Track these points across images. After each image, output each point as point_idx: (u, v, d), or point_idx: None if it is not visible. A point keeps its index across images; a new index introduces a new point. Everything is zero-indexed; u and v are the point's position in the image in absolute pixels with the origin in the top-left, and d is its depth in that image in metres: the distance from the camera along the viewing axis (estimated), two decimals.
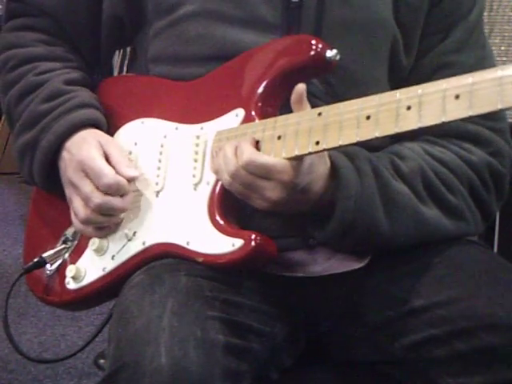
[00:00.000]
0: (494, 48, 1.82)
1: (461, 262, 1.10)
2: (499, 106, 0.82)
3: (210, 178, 1.09)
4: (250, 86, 1.09)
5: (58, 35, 1.28)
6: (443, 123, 0.87)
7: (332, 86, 1.12)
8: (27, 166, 1.22)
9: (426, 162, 1.13)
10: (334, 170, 1.04)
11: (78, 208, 1.15)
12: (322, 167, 1.03)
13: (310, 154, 0.98)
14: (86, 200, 1.14)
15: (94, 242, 1.18)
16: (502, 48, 1.93)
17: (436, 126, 0.88)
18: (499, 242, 1.96)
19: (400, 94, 0.91)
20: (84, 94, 1.23)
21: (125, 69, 3.09)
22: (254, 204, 1.03)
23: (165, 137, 1.17)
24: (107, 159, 1.15)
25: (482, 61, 1.21)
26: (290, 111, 1.02)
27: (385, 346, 1.10)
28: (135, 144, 1.20)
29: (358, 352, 1.16)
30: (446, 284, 1.07)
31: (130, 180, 1.14)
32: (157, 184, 1.15)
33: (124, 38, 1.30)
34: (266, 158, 1.00)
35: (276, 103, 1.08)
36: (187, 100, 1.16)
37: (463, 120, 0.86)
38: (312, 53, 1.04)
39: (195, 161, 1.11)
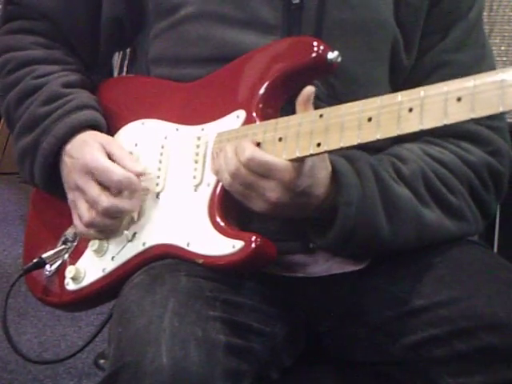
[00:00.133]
0: (493, 48, 1.82)
1: (461, 262, 1.10)
2: (501, 109, 0.82)
3: (211, 179, 1.08)
4: (251, 88, 1.09)
5: (56, 38, 1.28)
6: (445, 126, 0.86)
7: (333, 88, 1.12)
8: (28, 168, 1.22)
9: (425, 163, 1.13)
10: (335, 174, 1.04)
11: (83, 211, 1.15)
12: (324, 171, 1.02)
13: (312, 155, 0.98)
14: (92, 203, 1.13)
15: (94, 243, 1.18)
16: (502, 48, 1.93)
17: (437, 128, 0.87)
18: (499, 242, 1.96)
19: (402, 96, 0.91)
20: (83, 96, 1.22)
21: (125, 69, 3.08)
22: (254, 206, 1.03)
23: (165, 138, 1.16)
24: (110, 159, 1.14)
25: (482, 60, 1.21)
26: (291, 113, 1.02)
27: (385, 346, 1.10)
28: (135, 145, 1.20)
29: (358, 352, 1.16)
30: (446, 284, 1.07)
31: (138, 175, 1.13)
32: (157, 185, 1.15)
33: (123, 39, 1.30)
34: (267, 155, 1.00)
35: (277, 105, 1.08)
36: (188, 101, 1.16)
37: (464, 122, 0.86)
38: (313, 55, 1.04)
39: (196, 162, 1.11)
